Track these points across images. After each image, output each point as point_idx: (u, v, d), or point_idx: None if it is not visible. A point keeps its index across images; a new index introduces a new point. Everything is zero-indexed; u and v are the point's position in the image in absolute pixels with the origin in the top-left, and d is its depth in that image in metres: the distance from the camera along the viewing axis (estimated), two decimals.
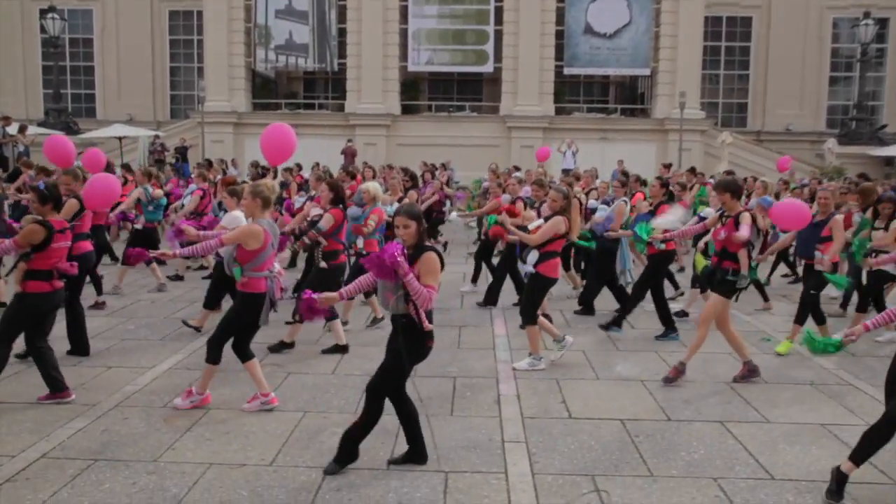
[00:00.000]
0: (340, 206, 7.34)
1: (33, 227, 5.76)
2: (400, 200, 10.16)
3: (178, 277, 11.29)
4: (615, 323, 8.39)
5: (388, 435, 5.20)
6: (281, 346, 7.35)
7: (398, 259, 4.23)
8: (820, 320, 7.65)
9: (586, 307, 9.27)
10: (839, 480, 4.33)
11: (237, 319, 5.65)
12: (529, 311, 6.90)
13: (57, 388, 5.86)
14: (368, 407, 4.57)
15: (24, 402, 5.79)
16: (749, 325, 8.93)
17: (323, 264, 7.21)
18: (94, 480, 4.45)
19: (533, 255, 6.82)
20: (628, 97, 31.34)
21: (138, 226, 10.62)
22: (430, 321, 4.45)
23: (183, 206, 11.93)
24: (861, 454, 4.30)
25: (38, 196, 5.87)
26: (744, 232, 6.25)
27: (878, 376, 4.69)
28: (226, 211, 8.43)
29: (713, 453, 5.00)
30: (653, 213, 8.12)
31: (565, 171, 20.12)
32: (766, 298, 9.80)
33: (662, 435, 5.32)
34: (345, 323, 8.22)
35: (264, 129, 7.89)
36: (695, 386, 6.50)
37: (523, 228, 7.09)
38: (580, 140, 24.24)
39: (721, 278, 6.43)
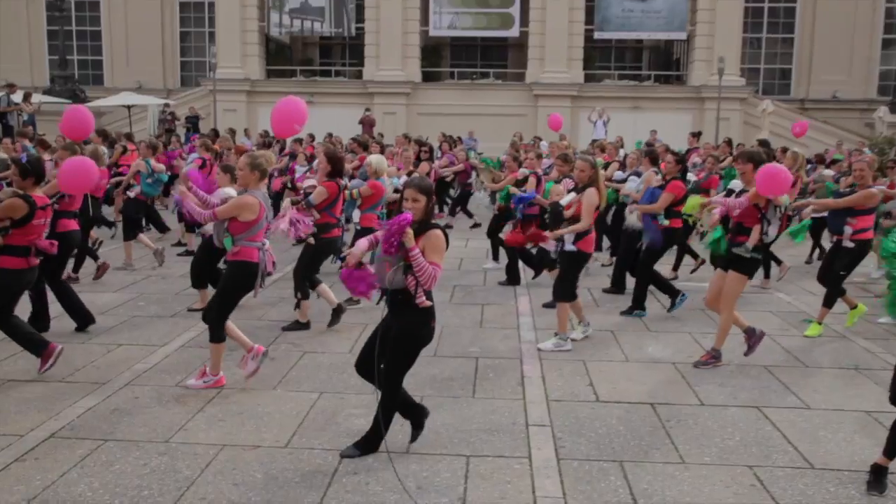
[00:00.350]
0: (337, 178, 7.34)
1: (15, 201, 5.76)
2: (409, 174, 10.13)
3: (189, 253, 11.37)
4: (637, 306, 8.29)
5: None
6: (296, 326, 7.41)
7: (408, 228, 4.20)
8: (840, 292, 7.67)
9: (617, 285, 9.22)
10: (876, 472, 4.31)
11: (232, 289, 5.72)
12: (567, 288, 6.92)
13: (39, 348, 5.96)
14: (390, 395, 4.55)
15: (32, 379, 5.90)
16: (790, 305, 8.84)
17: (310, 239, 7.24)
18: (105, 461, 4.53)
19: (569, 234, 6.87)
20: (663, 63, 30.93)
21: (132, 193, 10.72)
22: (430, 300, 4.39)
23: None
24: (893, 447, 4.25)
25: (19, 169, 5.88)
26: (741, 201, 6.29)
27: None
28: None
29: (749, 440, 4.97)
30: (663, 189, 8.15)
31: (594, 143, 19.98)
32: (767, 276, 9.70)
33: (695, 420, 5.29)
34: (356, 301, 8.28)
35: (278, 101, 7.85)
36: (730, 369, 6.45)
37: (557, 207, 7.01)
38: (611, 109, 23.98)
39: (736, 255, 6.38)
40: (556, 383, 6.02)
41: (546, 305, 8.24)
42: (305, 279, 7.42)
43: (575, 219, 6.81)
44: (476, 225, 14.37)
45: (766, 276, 9.72)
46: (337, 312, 7.50)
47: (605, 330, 7.41)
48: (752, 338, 6.61)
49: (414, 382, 5.94)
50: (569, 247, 6.86)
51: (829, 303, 7.64)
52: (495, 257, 10.64)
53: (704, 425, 5.21)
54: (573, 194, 6.99)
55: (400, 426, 5.05)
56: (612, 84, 28.05)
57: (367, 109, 25.60)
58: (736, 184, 7.31)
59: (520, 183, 9.55)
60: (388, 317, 4.46)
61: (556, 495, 4.20)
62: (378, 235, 4.53)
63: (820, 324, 7.58)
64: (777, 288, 9.64)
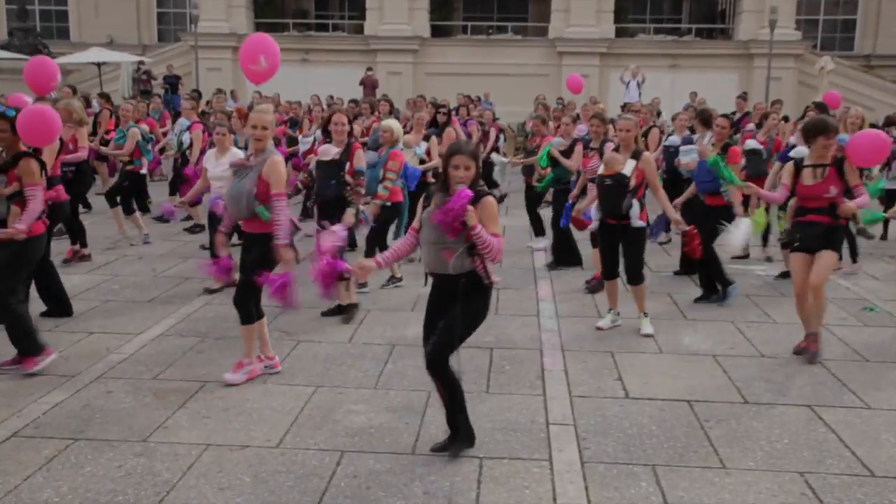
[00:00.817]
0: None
1: (30, 162, 5.93)
2: (426, 139, 10.07)
3: (199, 227, 11.44)
4: (711, 290, 8.29)
5: (413, 413, 5.27)
6: (339, 310, 7.46)
7: (469, 206, 4.30)
8: None
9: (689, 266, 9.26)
10: None
11: (264, 265, 5.73)
12: (640, 268, 7.15)
13: (36, 348, 6.04)
14: (441, 382, 4.63)
15: None
16: (849, 291, 8.81)
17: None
18: (74, 463, 4.59)
19: (635, 208, 6.95)
20: (705, 15, 30.62)
21: (143, 171, 10.94)
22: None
23: (182, 144, 11.94)
24: None
25: (10, 123, 5.94)
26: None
27: None
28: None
29: (799, 443, 4.97)
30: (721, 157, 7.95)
31: (626, 106, 19.86)
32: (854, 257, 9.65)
33: (738, 420, 5.30)
34: (363, 284, 8.30)
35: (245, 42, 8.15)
36: (778, 363, 6.45)
37: (623, 178, 6.95)
38: (646, 68, 23.79)
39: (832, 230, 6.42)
40: (580, 377, 6.04)
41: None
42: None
43: (634, 190, 6.93)
44: (503, 197, 14.31)
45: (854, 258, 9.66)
46: (351, 306, 7.54)
47: (637, 318, 7.40)
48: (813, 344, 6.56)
49: (419, 376, 5.98)
50: (638, 222, 7.00)
51: None
52: (539, 232, 10.65)
53: (748, 426, 5.21)
54: (633, 162, 6.98)
55: (406, 424, 5.09)
56: (647, 39, 27.83)
57: (369, 69, 25.51)
58: (799, 150, 7.23)
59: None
60: (446, 299, 4.57)
61: (579, 502, 4.22)
62: (389, 254, 4.79)
63: None
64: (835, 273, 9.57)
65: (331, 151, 7.37)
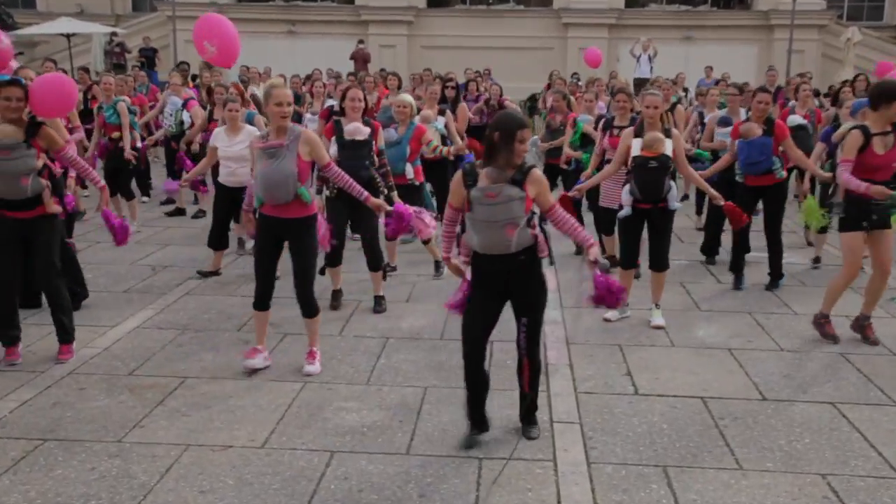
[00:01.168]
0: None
1: (46, 128, 6.06)
2: (441, 114, 9.98)
3: (203, 212, 11.50)
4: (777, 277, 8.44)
5: (408, 411, 5.28)
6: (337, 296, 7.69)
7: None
8: None
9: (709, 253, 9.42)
10: None
11: (316, 250, 6.00)
12: (668, 253, 7.32)
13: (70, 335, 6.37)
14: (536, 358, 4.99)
15: None
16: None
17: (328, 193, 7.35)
18: (43, 465, 4.59)
19: (674, 190, 7.07)
20: None
21: (139, 144, 10.97)
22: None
23: (182, 123, 11.82)
24: None
25: (24, 91, 6.02)
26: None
27: None
28: None
29: (822, 443, 4.99)
30: (770, 137, 7.93)
31: (639, 82, 19.80)
32: None
33: (755, 418, 5.31)
34: (393, 269, 8.64)
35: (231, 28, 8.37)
36: (798, 357, 6.47)
37: (666, 160, 6.97)
38: (658, 41, 23.73)
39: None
40: (586, 372, 6.05)
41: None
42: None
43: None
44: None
45: None
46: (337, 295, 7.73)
47: (648, 308, 7.41)
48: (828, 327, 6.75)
49: (415, 371, 6.00)
50: (675, 205, 7.11)
51: None
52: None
53: (767, 424, 5.23)
54: (668, 141, 6.98)
55: (400, 423, 5.10)
56: (659, 10, 27.76)
57: (361, 42, 25.42)
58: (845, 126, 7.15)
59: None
60: (496, 280, 4.73)
61: None
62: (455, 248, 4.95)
63: None
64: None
65: (363, 131, 7.31)
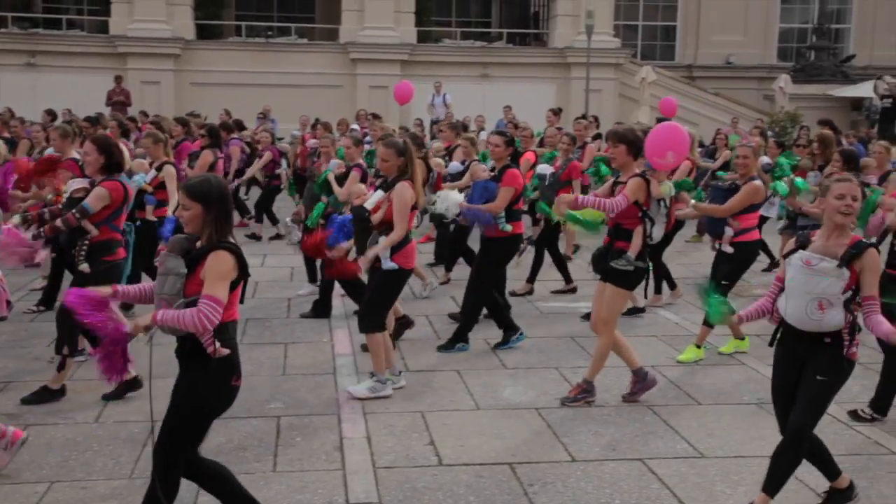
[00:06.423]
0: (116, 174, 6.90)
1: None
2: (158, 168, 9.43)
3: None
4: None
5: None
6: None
7: None
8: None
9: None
10: None
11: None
12: (380, 315, 7.10)
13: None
14: (160, 477, 4.41)
15: None
16: (679, 327, 9.41)
17: (85, 266, 6.81)
18: None
19: (387, 251, 6.93)
20: (517, 19, 32.07)
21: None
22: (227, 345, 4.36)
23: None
24: (774, 482, 4.88)
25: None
26: (618, 202, 6.65)
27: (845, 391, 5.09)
28: None
29: (631, 503, 5.26)
30: (497, 182, 8.17)
31: (435, 123, 20.40)
32: (672, 286, 10.37)
33: (565, 482, 5.53)
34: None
35: None
36: (606, 411, 6.81)
37: (361, 211, 7.05)
38: (453, 78, 24.55)
39: (612, 265, 6.78)
40: (385, 445, 6.09)
41: (365, 347, 8.20)
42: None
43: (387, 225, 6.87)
44: (279, 235, 14.32)
45: (657, 290, 10.25)
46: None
47: (449, 370, 7.58)
48: (641, 383, 7.02)
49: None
50: (388, 264, 6.87)
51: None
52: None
53: (576, 487, 5.46)
54: (379, 193, 6.96)
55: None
56: (454, 45, 28.66)
57: (118, 78, 24.62)
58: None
59: None
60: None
61: None
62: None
63: (699, 347, 8.13)
64: (662, 306, 10.23)
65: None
